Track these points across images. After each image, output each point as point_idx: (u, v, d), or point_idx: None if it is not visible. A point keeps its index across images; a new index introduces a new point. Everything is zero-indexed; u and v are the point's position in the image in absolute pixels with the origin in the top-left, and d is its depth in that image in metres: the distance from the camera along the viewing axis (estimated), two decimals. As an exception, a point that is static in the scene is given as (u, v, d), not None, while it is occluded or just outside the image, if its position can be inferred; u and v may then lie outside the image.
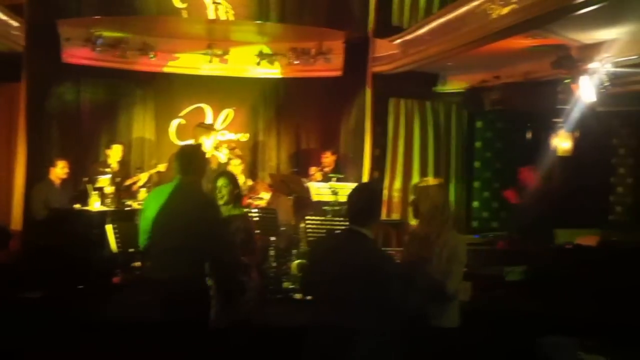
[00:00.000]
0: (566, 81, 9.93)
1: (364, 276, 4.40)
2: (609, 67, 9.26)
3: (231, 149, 11.82)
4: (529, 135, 12.28)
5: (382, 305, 4.39)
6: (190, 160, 5.91)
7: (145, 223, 5.76)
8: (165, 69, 12.96)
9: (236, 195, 6.89)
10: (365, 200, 4.70)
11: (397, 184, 13.12)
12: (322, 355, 4.51)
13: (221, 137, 12.93)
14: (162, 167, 11.19)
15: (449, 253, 5.13)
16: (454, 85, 13.17)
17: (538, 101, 11.04)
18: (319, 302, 4.79)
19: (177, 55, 12.98)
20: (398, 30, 12.13)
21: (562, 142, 11.39)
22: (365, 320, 4.37)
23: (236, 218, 6.79)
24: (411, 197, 5.45)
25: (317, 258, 5.01)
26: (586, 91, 9.51)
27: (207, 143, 10.41)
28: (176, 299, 5.54)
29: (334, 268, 4.54)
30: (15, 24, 10.72)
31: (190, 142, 10.33)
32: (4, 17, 10.42)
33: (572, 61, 9.45)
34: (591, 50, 9.37)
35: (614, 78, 9.34)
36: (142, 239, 5.84)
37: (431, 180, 5.49)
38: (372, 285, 4.37)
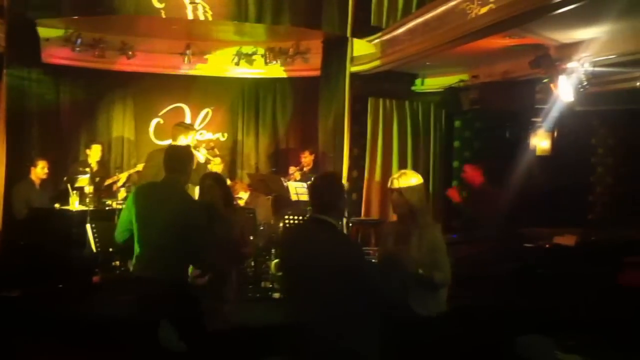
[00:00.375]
0: (545, 80, 9.97)
1: (333, 263, 4.42)
2: (588, 67, 9.31)
3: (210, 149, 11.82)
4: (507, 134, 12.31)
5: (353, 293, 4.41)
6: (180, 159, 5.92)
7: (125, 219, 5.75)
8: (144, 69, 12.94)
9: (224, 196, 6.90)
10: (326, 190, 4.73)
11: (376, 183, 13.15)
12: (299, 344, 4.55)
13: (200, 136, 12.98)
14: (141, 167, 11.15)
15: (430, 244, 5.20)
16: (432, 85, 13.20)
17: (516, 100, 11.06)
18: (290, 292, 4.84)
19: (155, 55, 12.96)
20: (377, 30, 12.14)
21: (541, 142, 11.45)
22: (338, 308, 4.38)
23: (225, 218, 6.81)
24: (392, 194, 5.41)
25: (285, 248, 5.11)
26: (565, 91, 9.56)
27: (185, 143, 10.38)
28: (161, 297, 5.55)
29: (303, 257, 4.59)
30: (-6, 24, 10.66)
31: (169, 141, 10.28)
32: (-17, 17, 10.36)
33: (550, 61, 9.50)
34: (569, 49, 9.42)
35: (593, 77, 9.38)
36: (120, 234, 5.83)
37: (409, 173, 5.46)
38: (342, 272, 4.39)
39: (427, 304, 5.24)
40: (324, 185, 4.80)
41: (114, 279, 9.53)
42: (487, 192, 9.85)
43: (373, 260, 5.29)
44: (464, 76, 12.23)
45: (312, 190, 4.87)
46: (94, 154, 11.42)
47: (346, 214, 11.29)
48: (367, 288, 4.43)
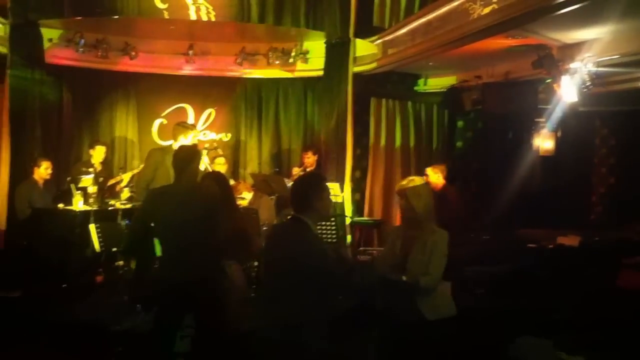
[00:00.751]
0: (547, 81, 9.96)
1: (297, 262, 4.62)
2: (591, 67, 9.29)
3: (212, 149, 11.83)
4: (510, 135, 12.30)
5: (312, 290, 4.55)
6: (184, 159, 5.95)
7: (141, 225, 5.82)
8: (147, 69, 12.95)
9: (223, 196, 6.90)
10: (302, 189, 4.90)
11: (379, 183, 13.16)
12: (269, 343, 4.65)
13: (203, 137, 12.99)
14: (143, 167, 11.18)
15: (431, 246, 5.29)
16: (435, 85, 13.20)
17: (519, 101, 11.04)
18: (265, 286, 5.01)
19: (158, 55, 12.98)
20: (379, 31, 12.16)
21: (543, 142, 11.45)
22: (299, 303, 4.55)
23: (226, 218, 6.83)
24: (398, 198, 5.48)
25: (266, 246, 5.32)
26: (567, 91, 9.54)
27: (186, 143, 10.40)
28: (193, 300, 5.60)
29: (276, 254, 4.87)
30: (-2, 25, 10.70)
31: (171, 142, 10.29)
32: (-13, 18, 10.39)
33: (552, 61, 9.48)
34: (572, 50, 9.42)
35: (596, 78, 9.37)
36: (135, 242, 5.92)
37: (417, 179, 5.53)
38: (303, 270, 4.58)
39: (435, 308, 5.29)
40: (301, 185, 5.00)
41: (116, 279, 9.54)
42: (448, 195, 9.69)
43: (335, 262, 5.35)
44: (467, 76, 12.21)
45: (291, 190, 5.05)
46: (98, 154, 11.41)
47: (338, 213, 11.34)
48: (324, 287, 4.64)
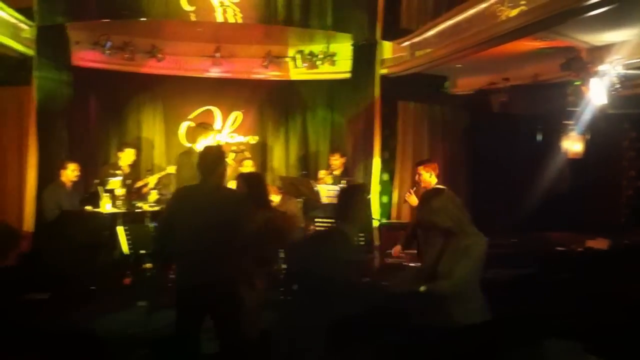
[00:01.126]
0: (576, 83, 9.89)
1: (332, 272, 4.75)
2: (619, 69, 9.22)
3: (240, 152, 11.86)
4: (538, 137, 12.22)
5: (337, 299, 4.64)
6: (210, 160, 5.95)
7: (167, 226, 5.83)
8: (174, 72, 12.98)
9: (254, 197, 6.87)
10: (345, 200, 5.09)
11: (407, 186, 13.11)
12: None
13: (230, 139, 13.02)
14: (171, 169, 11.20)
15: (463, 251, 5.14)
16: (462, 87, 13.13)
17: (547, 103, 10.99)
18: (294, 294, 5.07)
19: (185, 57, 13.02)
20: (406, 33, 12.13)
21: (572, 145, 11.36)
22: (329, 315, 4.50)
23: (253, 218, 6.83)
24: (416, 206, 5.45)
25: (301, 251, 5.52)
26: (596, 93, 9.47)
27: (207, 143, 10.46)
28: (210, 303, 5.61)
29: (311, 263, 5.01)
30: (25, 27, 10.75)
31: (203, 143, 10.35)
32: (15, 21, 10.44)
33: (581, 63, 9.42)
34: (601, 52, 9.34)
35: (625, 80, 9.30)
36: (163, 241, 5.92)
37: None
38: (335, 280, 4.71)
39: (467, 313, 5.17)
40: (344, 196, 5.20)
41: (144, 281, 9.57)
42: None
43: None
44: (494, 78, 12.14)
45: (337, 199, 5.25)
46: (127, 157, 11.42)
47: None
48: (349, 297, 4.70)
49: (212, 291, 5.55)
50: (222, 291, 5.60)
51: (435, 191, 5.56)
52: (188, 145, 12.48)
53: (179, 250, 5.84)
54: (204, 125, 10.90)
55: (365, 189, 9.56)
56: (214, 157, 6.01)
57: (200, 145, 10.31)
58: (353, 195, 4.97)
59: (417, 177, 9.01)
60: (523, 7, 8.52)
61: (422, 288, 5.09)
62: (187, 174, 9.81)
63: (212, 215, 5.66)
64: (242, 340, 5.83)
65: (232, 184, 8.01)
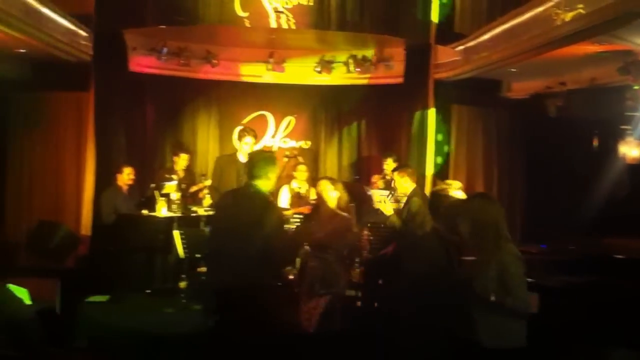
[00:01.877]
0: (635, 88, 9.74)
1: None
2: (679, 74, 9.08)
3: (293, 157, 11.89)
4: (595, 142, 12.06)
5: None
6: (258, 165, 5.93)
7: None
8: (228, 77, 13.10)
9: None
10: None
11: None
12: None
13: (283, 144, 13.09)
14: (225, 175, 11.29)
15: (498, 268, 4.88)
16: (518, 92, 13.00)
17: (605, 108, 10.83)
18: None
19: (239, 63, 13.12)
20: (460, 37, 12.04)
21: (630, 150, 11.18)
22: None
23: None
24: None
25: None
26: (655, 98, 9.34)
27: (244, 148, 10.53)
28: (241, 306, 5.60)
29: None
30: (83, 33, 10.88)
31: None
32: (73, 28, 10.58)
33: (639, 67, 9.28)
34: (660, 56, 9.21)
35: (684, 85, 9.15)
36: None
37: (454, 184, 5.30)
38: None
39: (497, 334, 4.88)
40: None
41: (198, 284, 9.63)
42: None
43: None
44: (550, 82, 12.00)
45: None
46: (182, 161, 11.52)
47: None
48: None
49: (232, 295, 5.54)
50: (241, 296, 5.56)
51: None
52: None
53: (208, 252, 5.85)
54: (245, 130, 10.98)
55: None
56: (257, 163, 5.98)
57: (245, 149, 10.46)
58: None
59: (392, 183, 8.93)
60: (580, 11, 8.41)
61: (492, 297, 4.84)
62: (216, 176, 10.43)
63: (240, 221, 5.66)
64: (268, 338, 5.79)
65: (288, 188, 8.07)
